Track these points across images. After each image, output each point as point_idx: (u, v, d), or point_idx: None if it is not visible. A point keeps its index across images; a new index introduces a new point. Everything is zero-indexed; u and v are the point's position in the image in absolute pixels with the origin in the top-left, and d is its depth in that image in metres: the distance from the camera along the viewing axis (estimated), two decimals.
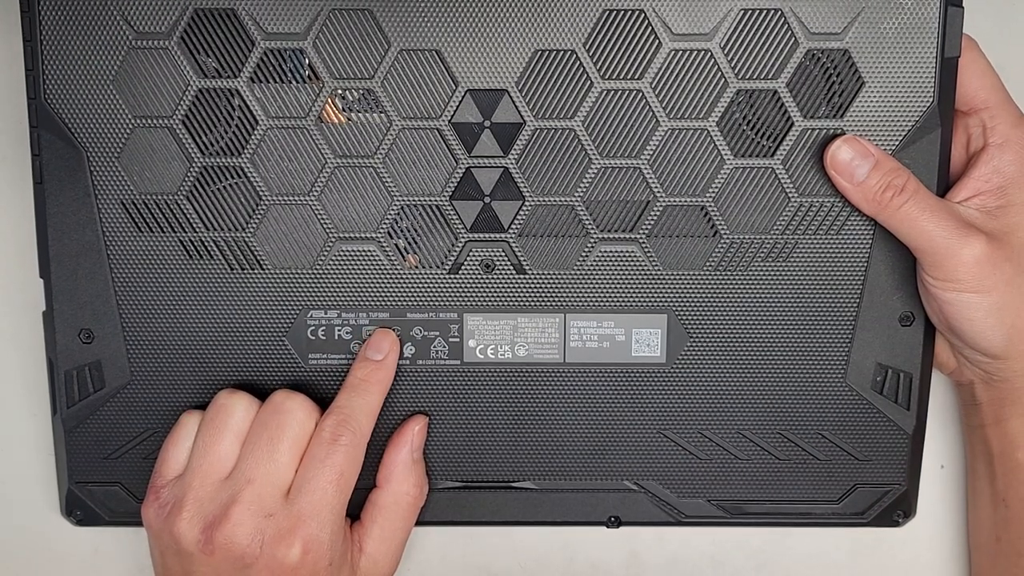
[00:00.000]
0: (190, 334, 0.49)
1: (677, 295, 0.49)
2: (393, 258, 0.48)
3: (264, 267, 0.48)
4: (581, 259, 0.48)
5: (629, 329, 0.49)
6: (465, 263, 0.48)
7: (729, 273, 0.48)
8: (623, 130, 0.47)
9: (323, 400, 0.48)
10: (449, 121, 0.47)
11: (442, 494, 0.51)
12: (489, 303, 0.49)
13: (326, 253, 0.48)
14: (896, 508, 0.51)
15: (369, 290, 0.49)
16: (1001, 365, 0.48)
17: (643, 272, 0.48)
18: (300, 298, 0.49)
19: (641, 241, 0.48)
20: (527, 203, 0.48)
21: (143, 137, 0.47)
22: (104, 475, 0.50)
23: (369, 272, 0.48)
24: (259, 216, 0.48)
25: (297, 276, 0.48)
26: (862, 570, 0.56)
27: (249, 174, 0.47)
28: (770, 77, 0.46)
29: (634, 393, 0.50)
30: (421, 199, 0.48)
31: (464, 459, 0.51)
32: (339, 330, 0.49)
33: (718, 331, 0.49)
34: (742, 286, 0.49)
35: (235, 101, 0.47)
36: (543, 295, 0.49)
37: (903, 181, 0.46)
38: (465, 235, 0.48)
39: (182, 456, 0.47)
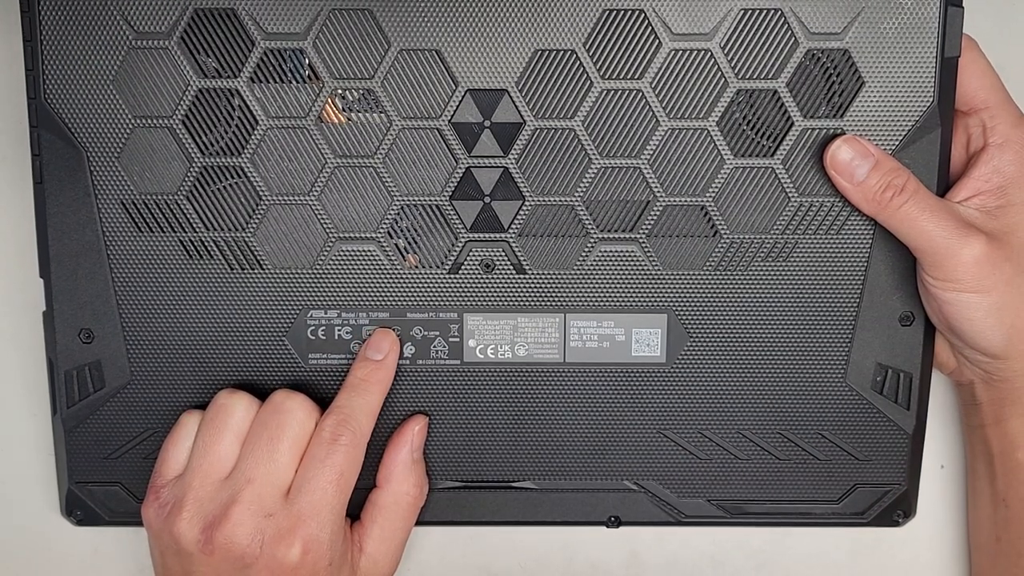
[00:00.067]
0: (190, 334, 0.49)
1: (677, 295, 0.49)
2: (393, 258, 0.48)
3: (264, 267, 0.48)
4: (581, 259, 0.48)
5: (629, 329, 0.49)
6: (465, 263, 0.48)
7: (729, 273, 0.48)
8: (623, 130, 0.47)
9: (323, 400, 0.48)
10: (449, 121, 0.47)
11: (442, 494, 0.51)
12: (489, 303, 0.49)
13: (326, 253, 0.48)
14: (896, 508, 0.51)
15: (369, 290, 0.49)
16: (1001, 365, 0.48)
17: (643, 272, 0.48)
18: (300, 298, 0.49)
19: (641, 241, 0.48)
20: (527, 203, 0.48)
21: (143, 137, 0.47)
22: (104, 475, 0.50)
23: (369, 272, 0.48)
24: (259, 216, 0.48)
25: (297, 276, 0.48)
26: (862, 570, 0.56)
27: (249, 174, 0.47)
28: (770, 77, 0.46)
29: (634, 393, 0.50)
30: (421, 199, 0.48)
31: (464, 459, 0.51)
32: (339, 330, 0.49)
33: (718, 331, 0.49)
34: (742, 286, 0.49)
35: (235, 101, 0.47)
36: (543, 295, 0.49)
37: (903, 181, 0.46)
38: (465, 235, 0.48)
39: (182, 456, 0.47)
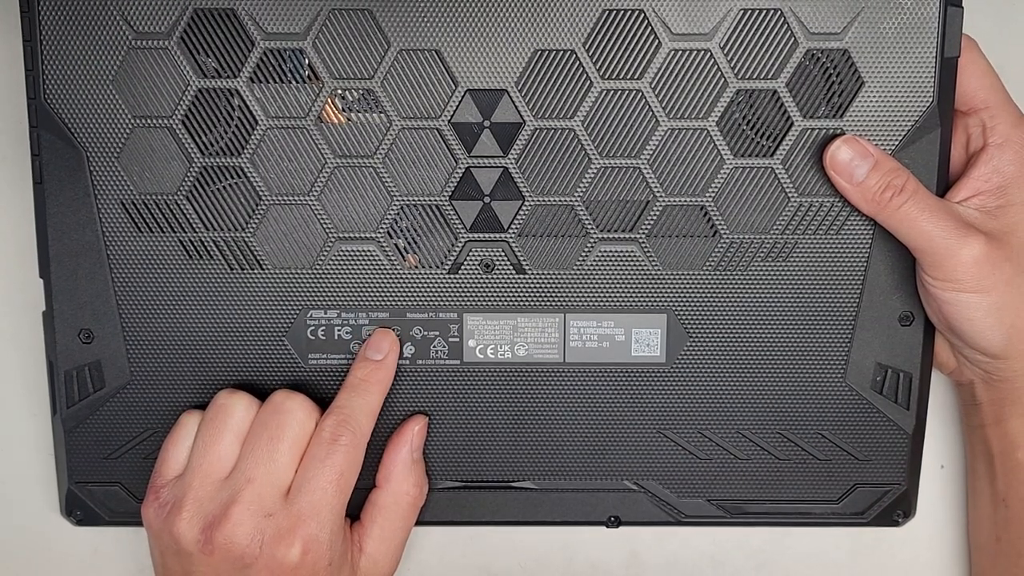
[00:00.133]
0: (190, 334, 0.49)
1: (677, 295, 0.49)
2: (393, 258, 0.48)
3: (264, 267, 0.48)
4: (581, 259, 0.48)
5: (629, 329, 0.49)
6: (465, 263, 0.48)
7: (729, 273, 0.48)
8: (623, 130, 0.47)
9: (323, 400, 0.48)
10: (449, 121, 0.47)
11: (442, 494, 0.51)
12: (489, 303, 0.49)
13: (326, 253, 0.48)
14: (896, 508, 0.51)
15: (369, 290, 0.49)
16: (1001, 365, 0.48)
17: (643, 272, 0.48)
18: (300, 298, 0.49)
19: (641, 241, 0.48)
20: (527, 203, 0.48)
21: (143, 137, 0.47)
22: (104, 475, 0.50)
23: (369, 272, 0.48)
24: (259, 216, 0.48)
25: (297, 276, 0.48)
26: (862, 570, 0.56)
27: (249, 174, 0.47)
28: (770, 77, 0.46)
29: (634, 393, 0.50)
30: (421, 199, 0.48)
31: (464, 459, 0.51)
32: (339, 330, 0.49)
33: (718, 331, 0.49)
34: (742, 286, 0.49)
35: (235, 101, 0.47)
36: (543, 295, 0.49)
37: (902, 181, 0.46)
38: (465, 235, 0.48)
39: (182, 456, 0.47)
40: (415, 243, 0.48)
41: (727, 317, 0.49)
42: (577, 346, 0.49)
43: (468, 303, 0.49)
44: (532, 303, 0.49)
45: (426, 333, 0.49)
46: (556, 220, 0.48)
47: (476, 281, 0.49)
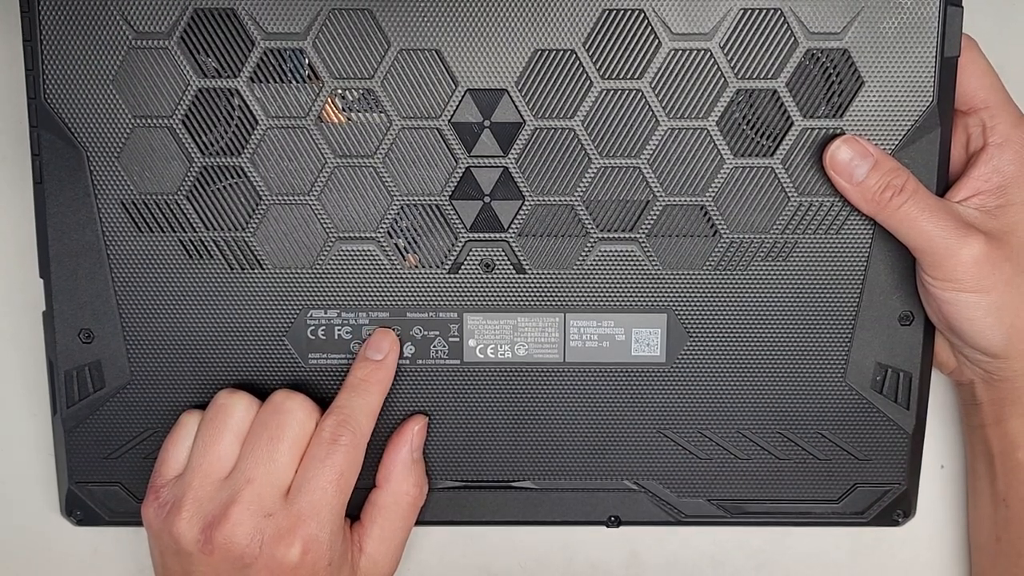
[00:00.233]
0: (190, 334, 0.49)
1: (677, 295, 0.49)
2: (393, 258, 0.48)
3: (264, 267, 0.48)
4: (581, 259, 0.48)
5: (629, 329, 0.49)
6: (465, 263, 0.48)
7: (729, 273, 0.48)
8: (623, 130, 0.47)
9: (323, 400, 0.48)
10: (449, 121, 0.47)
11: (442, 494, 0.51)
12: (489, 303, 0.49)
13: (326, 253, 0.48)
14: (896, 508, 0.51)
15: (369, 290, 0.49)
16: (1001, 364, 0.48)
17: (643, 272, 0.48)
18: (300, 298, 0.49)
19: (641, 241, 0.48)
20: (527, 203, 0.48)
21: (143, 137, 0.47)
22: (104, 475, 0.50)
23: (369, 272, 0.48)
24: (259, 216, 0.48)
25: (297, 276, 0.48)
26: (862, 570, 0.56)
27: (249, 174, 0.47)
28: (770, 77, 0.46)
29: (634, 393, 0.50)
30: (421, 199, 0.48)
31: (464, 459, 0.51)
32: (339, 330, 0.49)
33: (718, 331, 0.49)
34: (742, 286, 0.49)
35: (235, 101, 0.47)
36: (543, 295, 0.49)
37: (902, 181, 0.46)
38: (465, 235, 0.48)
39: (182, 456, 0.47)
40: (415, 243, 0.48)
41: (727, 317, 0.49)
42: (577, 346, 0.49)
43: (468, 303, 0.49)
44: (532, 303, 0.49)
45: (426, 333, 0.49)
46: (556, 220, 0.48)
47: (476, 281, 0.49)
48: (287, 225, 0.48)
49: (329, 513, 0.45)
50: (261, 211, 0.48)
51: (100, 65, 0.46)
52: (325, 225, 0.48)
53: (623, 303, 0.49)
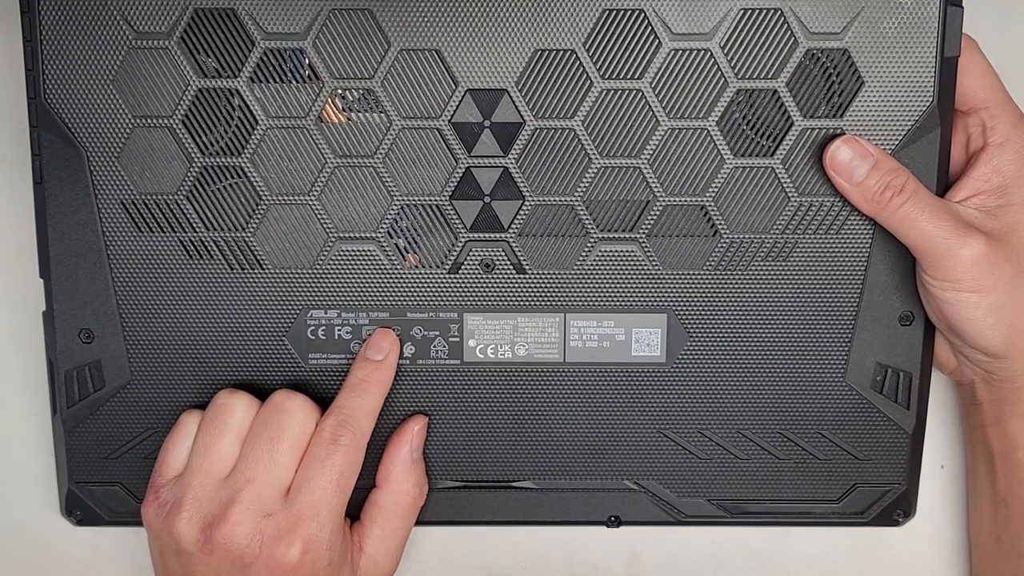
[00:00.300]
0: (190, 334, 0.49)
1: (677, 295, 0.49)
2: (393, 258, 0.48)
3: (264, 267, 0.48)
4: (581, 259, 0.48)
5: (629, 329, 0.49)
6: (465, 263, 0.48)
7: (729, 273, 0.48)
8: (623, 130, 0.47)
9: (323, 400, 0.48)
10: (449, 121, 0.47)
11: (442, 494, 0.51)
12: (489, 303, 0.49)
13: (326, 253, 0.48)
14: (896, 508, 0.51)
15: (369, 290, 0.49)
16: (1001, 364, 0.48)
17: (643, 272, 0.48)
18: (300, 298, 0.49)
19: (641, 241, 0.48)
20: (527, 203, 0.48)
21: (143, 137, 0.47)
22: (104, 475, 0.50)
23: (369, 272, 0.48)
24: (259, 216, 0.48)
25: (297, 276, 0.48)
26: (862, 570, 0.56)
27: (249, 174, 0.47)
28: (770, 77, 0.46)
29: (634, 393, 0.50)
30: (421, 199, 0.48)
31: (464, 459, 0.51)
32: (339, 330, 0.49)
33: (718, 331, 0.49)
34: (742, 286, 0.49)
35: (235, 101, 0.47)
36: (543, 295, 0.49)
37: (902, 181, 0.46)
38: (465, 235, 0.48)
39: (182, 456, 0.47)
40: (415, 243, 0.48)
41: (727, 317, 0.49)
42: (577, 346, 0.49)
43: (468, 303, 0.49)
44: (532, 303, 0.49)
45: (426, 333, 0.49)
46: (556, 220, 0.48)
47: (476, 281, 0.49)
48: (287, 225, 0.48)
49: (329, 513, 0.46)
50: (261, 211, 0.48)
51: (100, 65, 0.46)
52: (325, 225, 0.48)
53: (623, 303, 0.49)
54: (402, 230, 0.48)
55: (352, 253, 0.48)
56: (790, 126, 0.47)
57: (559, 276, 0.49)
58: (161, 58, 0.46)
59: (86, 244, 0.48)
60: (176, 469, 0.47)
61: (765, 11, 0.46)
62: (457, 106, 0.47)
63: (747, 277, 0.48)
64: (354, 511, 0.48)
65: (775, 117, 0.47)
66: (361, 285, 0.49)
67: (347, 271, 0.48)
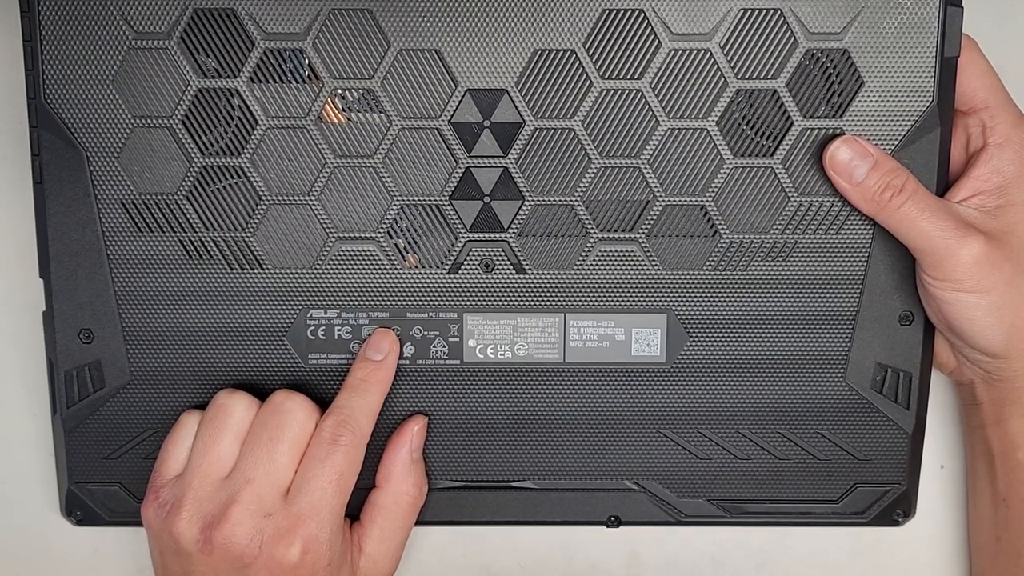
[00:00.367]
0: (190, 334, 0.49)
1: (677, 295, 0.49)
2: (393, 258, 0.48)
3: (264, 267, 0.48)
4: (581, 259, 0.48)
5: (629, 329, 0.49)
6: (465, 263, 0.48)
7: (729, 273, 0.48)
8: (623, 130, 0.47)
9: (323, 400, 0.48)
10: (449, 121, 0.47)
11: (442, 494, 0.51)
12: (489, 303, 0.49)
13: (326, 253, 0.48)
14: (896, 508, 0.51)
15: (369, 290, 0.49)
16: (1001, 364, 0.48)
17: (643, 272, 0.48)
18: (300, 298, 0.49)
19: (641, 241, 0.48)
20: (527, 203, 0.48)
21: (143, 137, 0.47)
22: (104, 475, 0.50)
23: (369, 272, 0.48)
24: (259, 216, 0.48)
25: (297, 276, 0.48)
26: (862, 570, 0.56)
27: (249, 174, 0.47)
28: (770, 77, 0.46)
29: (634, 393, 0.50)
30: (421, 199, 0.48)
31: (464, 459, 0.51)
32: (339, 330, 0.49)
33: (718, 331, 0.49)
34: (742, 286, 0.49)
35: (235, 101, 0.47)
36: (543, 295, 0.49)
37: (902, 181, 0.46)
38: (465, 235, 0.48)
39: (182, 456, 0.47)
40: (415, 243, 0.48)
41: (727, 317, 0.49)
42: (577, 346, 0.49)
43: (468, 303, 0.49)
44: (532, 303, 0.49)
45: (426, 333, 0.49)
46: (556, 220, 0.48)
47: (476, 281, 0.49)
48: (287, 225, 0.48)
49: (329, 513, 0.46)
50: (261, 211, 0.48)
51: (100, 65, 0.46)
52: (325, 225, 0.48)
53: (623, 303, 0.49)
54: (402, 230, 0.48)
55: (352, 253, 0.48)
56: (790, 126, 0.47)
57: (559, 276, 0.49)
58: (161, 58, 0.46)
59: (86, 244, 0.48)
60: (176, 469, 0.47)
61: (765, 11, 0.46)
62: (457, 106, 0.47)
63: (747, 277, 0.49)
64: (354, 511, 0.48)
65: (775, 117, 0.47)
66: (361, 285, 0.49)
67: (347, 271, 0.48)
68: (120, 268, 0.48)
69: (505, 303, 0.49)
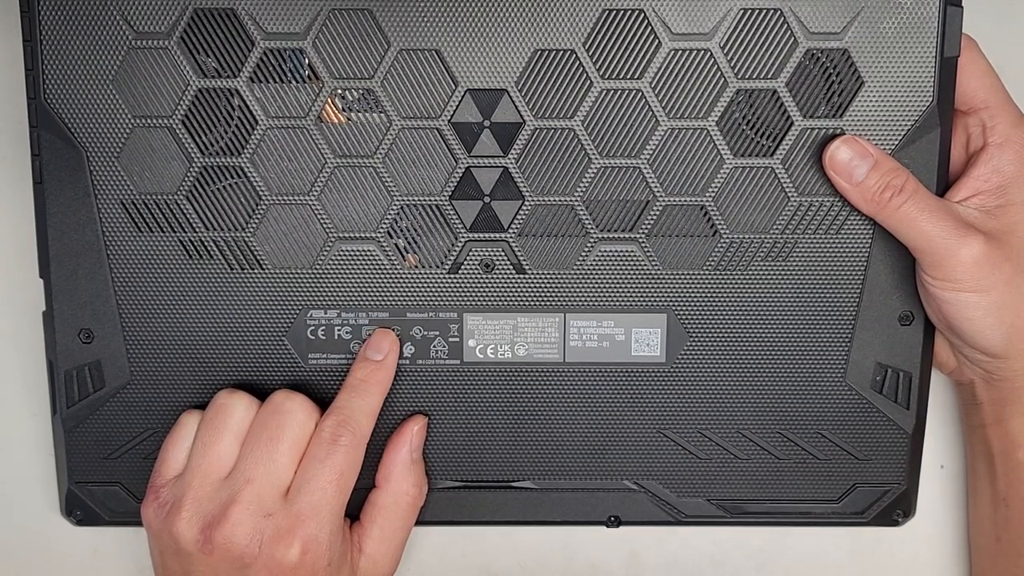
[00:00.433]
0: (190, 334, 0.49)
1: (677, 295, 0.49)
2: (393, 258, 0.48)
3: (264, 267, 0.48)
4: (581, 259, 0.48)
5: (629, 329, 0.49)
6: (465, 263, 0.48)
7: (729, 273, 0.48)
8: (623, 130, 0.47)
9: (323, 400, 0.48)
10: (449, 121, 0.47)
11: (442, 494, 0.51)
12: (489, 303, 0.49)
13: (326, 253, 0.48)
14: (896, 507, 0.51)
15: (369, 290, 0.49)
16: (1001, 364, 0.48)
17: (643, 272, 0.48)
18: (300, 298, 0.49)
19: (641, 241, 0.48)
20: (527, 203, 0.48)
21: (143, 137, 0.47)
22: (104, 475, 0.50)
23: (369, 272, 0.48)
24: (259, 216, 0.48)
25: (297, 276, 0.48)
26: (862, 570, 0.56)
27: (249, 174, 0.47)
28: (770, 77, 0.46)
29: (634, 393, 0.50)
30: (421, 199, 0.48)
31: (464, 459, 0.51)
32: (339, 330, 0.49)
33: (718, 331, 0.49)
34: (742, 286, 0.49)
35: (235, 101, 0.47)
36: (543, 295, 0.49)
37: (902, 181, 0.46)
38: (465, 235, 0.48)
39: (182, 456, 0.47)
40: (415, 243, 0.48)
41: (727, 317, 0.49)
42: (577, 346, 0.49)
43: (468, 303, 0.49)
44: (532, 303, 0.49)
45: (426, 333, 0.49)
46: (556, 220, 0.48)
47: (476, 281, 0.49)
48: (287, 225, 0.48)
49: (329, 513, 0.46)
50: (261, 211, 0.48)
51: (100, 65, 0.46)
52: (325, 225, 0.48)
53: (623, 303, 0.49)
54: (402, 230, 0.48)
55: (352, 253, 0.48)
56: (790, 126, 0.47)
57: (559, 276, 0.49)
58: (161, 58, 0.46)
59: (86, 244, 0.48)
60: (176, 469, 0.47)
61: (765, 11, 0.46)
62: (457, 106, 0.47)
63: (747, 277, 0.49)
64: (354, 511, 0.49)
65: (775, 117, 0.47)
66: (361, 285, 0.49)
67: (347, 271, 0.48)
68: (120, 268, 0.48)
69: (505, 303, 0.49)
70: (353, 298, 0.49)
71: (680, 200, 0.48)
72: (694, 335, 0.49)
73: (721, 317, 0.49)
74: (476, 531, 0.55)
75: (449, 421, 0.50)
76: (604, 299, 0.49)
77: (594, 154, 0.47)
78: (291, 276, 0.48)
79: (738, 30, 0.46)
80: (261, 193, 0.47)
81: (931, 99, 0.47)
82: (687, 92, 0.47)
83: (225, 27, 0.46)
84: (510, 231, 0.48)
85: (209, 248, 0.48)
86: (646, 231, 0.48)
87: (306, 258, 0.48)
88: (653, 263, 0.48)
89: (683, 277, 0.48)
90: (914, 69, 0.46)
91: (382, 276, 0.48)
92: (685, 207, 0.48)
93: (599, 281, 0.49)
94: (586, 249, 0.48)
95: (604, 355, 0.49)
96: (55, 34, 0.46)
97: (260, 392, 0.48)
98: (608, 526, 0.51)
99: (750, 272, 0.48)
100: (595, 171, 0.47)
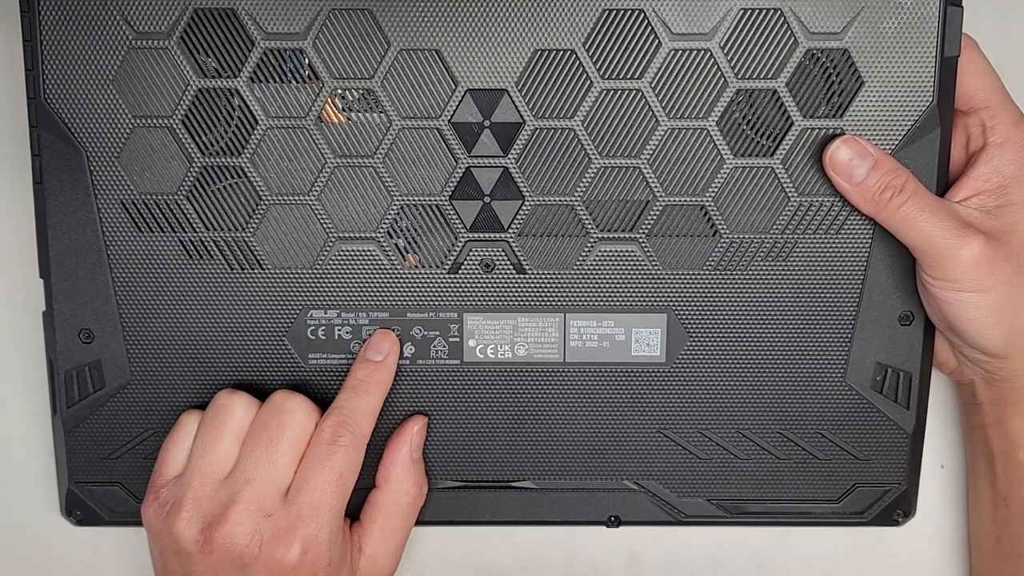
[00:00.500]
0: (190, 334, 0.49)
1: (677, 295, 0.49)
2: (393, 258, 0.48)
3: (264, 267, 0.48)
4: (581, 259, 0.48)
5: (629, 329, 0.49)
6: (465, 263, 0.48)
7: (729, 273, 0.48)
8: (623, 130, 0.47)
9: (323, 400, 0.48)
10: (449, 121, 0.47)
11: (442, 494, 0.51)
12: (489, 303, 0.49)
13: (326, 253, 0.48)
14: (896, 507, 0.51)
15: (369, 290, 0.49)
16: (1001, 364, 0.48)
17: (643, 272, 0.48)
18: (300, 298, 0.49)
19: (641, 241, 0.48)
20: (527, 203, 0.48)
21: (143, 137, 0.47)
22: (104, 475, 0.50)
23: (369, 272, 0.48)
24: (259, 216, 0.48)
25: (297, 276, 0.48)
26: (862, 570, 0.56)
27: (249, 174, 0.47)
28: (770, 77, 0.46)
29: (634, 393, 0.50)
30: (421, 199, 0.48)
31: (464, 459, 0.51)
32: (339, 330, 0.49)
33: (718, 331, 0.49)
34: (742, 286, 0.49)
35: (235, 101, 0.47)
36: (543, 295, 0.49)
37: (902, 181, 0.46)
38: (465, 235, 0.48)
39: (182, 456, 0.47)
40: (415, 243, 0.48)
41: (727, 317, 0.49)
42: (577, 346, 0.49)
43: (468, 303, 0.49)
44: (532, 303, 0.49)
45: (426, 333, 0.49)
46: (556, 220, 0.48)
47: (476, 281, 0.49)
48: (287, 225, 0.48)
49: (328, 513, 0.46)
50: (261, 211, 0.48)
51: (100, 65, 0.46)
52: (325, 225, 0.48)
53: (623, 303, 0.49)
54: (402, 230, 0.48)
55: (352, 253, 0.48)
56: (790, 126, 0.47)
57: (559, 276, 0.49)
58: (161, 58, 0.46)
59: (86, 244, 0.48)
60: (176, 469, 0.47)
61: (765, 11, 0.46)
62: (457, 106, 0.47)
63: (747, 277, 0.49)
64: (354, 511, 0.49)
65: (775, 117, 0.47)
66: (361, 285, 0.49)
67: (347, 271, 0.48)
68: (120, 268, 0.48)
69: (505, 303, 0.49)
70: (353, 298, 0.49)
71: (680, 200, 0.48)
72: (694, 335, 0.49)
73: (721, 317, 0.49)
74: (476, 531, 0.55)
75: (449, 421, 0.50)
76: (604, 299, 0.49)
77: (594, 154, 0.47)
78: (291, 276, 0.48)
79: (738, 30, 0.46)
80: (261, 193, 0.47)
81: (931, 99, 0.47)
82: (687, 92, 0.46)
83: (225, 27, 0.46)
84: (510, 231, 0.48)
85: (209, 248, 0.48)
86: (646, 231, 0.48)
87: (306, 258, 0.48)
88: (653, 263, 0.48)
89: (683, 277, 0.48)
90: (914, 69, 0.46)
91: (382, 276, 0.48)
92: (685, 207, 0.48)
93: (599, 281, 0.49)
94: (586, 249, 0.48)
95: (604, 355, 0.49)
96: (55, 34, 0.46)
97: (260, 392, 0.48)
98: (608, 526, 0.51)
99: (750, 272, 0.48)
100: (595, 171, 0.47)
